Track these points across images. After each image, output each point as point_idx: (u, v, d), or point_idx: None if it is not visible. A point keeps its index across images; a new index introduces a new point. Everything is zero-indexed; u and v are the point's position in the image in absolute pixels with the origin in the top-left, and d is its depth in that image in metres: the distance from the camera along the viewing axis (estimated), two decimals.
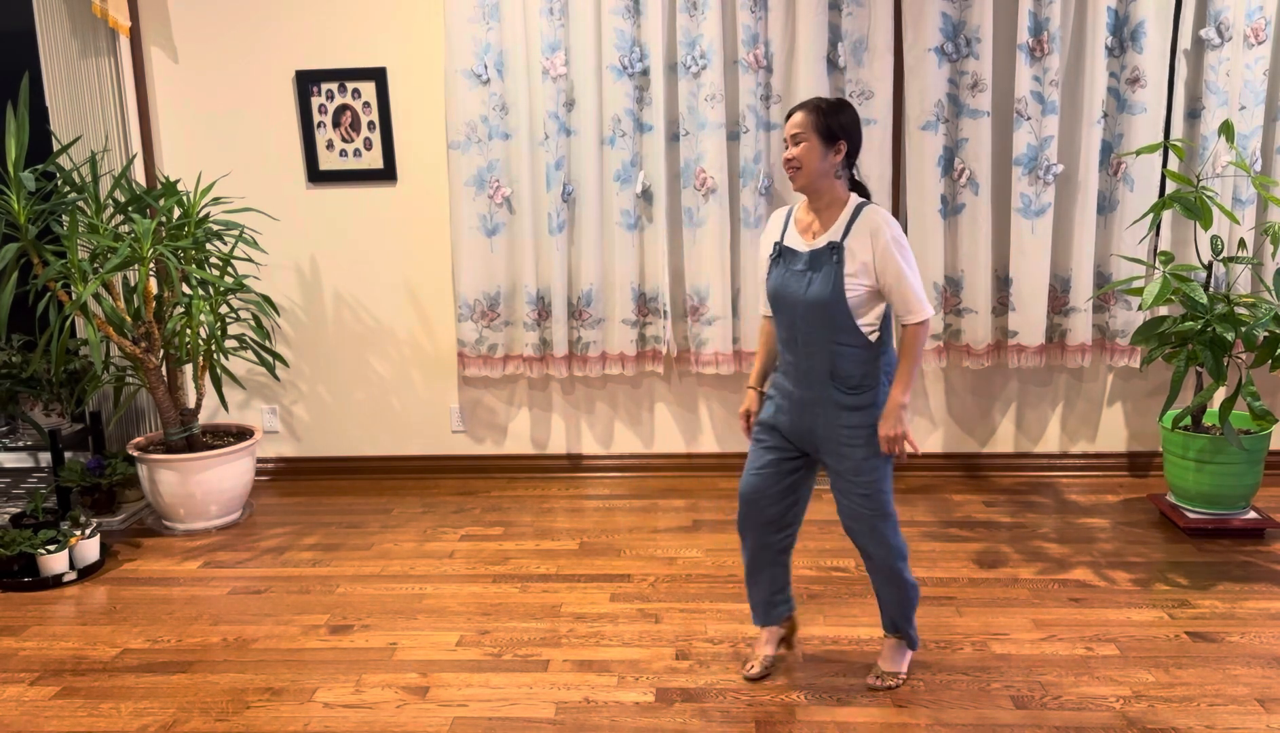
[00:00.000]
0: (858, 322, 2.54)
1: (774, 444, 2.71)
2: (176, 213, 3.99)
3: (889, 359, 2.61)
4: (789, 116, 2.59)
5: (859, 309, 2.53)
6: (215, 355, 4.03)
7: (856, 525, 2.65)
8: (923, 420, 4.46)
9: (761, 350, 2.82)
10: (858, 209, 2.55)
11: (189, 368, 4.51)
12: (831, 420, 2.59)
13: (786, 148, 2.58)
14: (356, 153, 4.37)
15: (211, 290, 3.98)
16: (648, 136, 4.16)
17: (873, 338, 2.56)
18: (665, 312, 4.28)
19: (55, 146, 4.20)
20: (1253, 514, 3.74)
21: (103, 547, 3.79)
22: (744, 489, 2.75)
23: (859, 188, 2.65)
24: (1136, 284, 4.04)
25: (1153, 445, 4.43)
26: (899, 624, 2.79)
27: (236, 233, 4.07)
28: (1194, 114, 4.04)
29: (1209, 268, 3.73)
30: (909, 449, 2.44)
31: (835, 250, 2.53)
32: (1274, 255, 4.03)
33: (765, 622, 2.88)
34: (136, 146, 4.30)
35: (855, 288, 2.52)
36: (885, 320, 2.59)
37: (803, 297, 2.55)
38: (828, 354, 2.57)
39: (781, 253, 2.63)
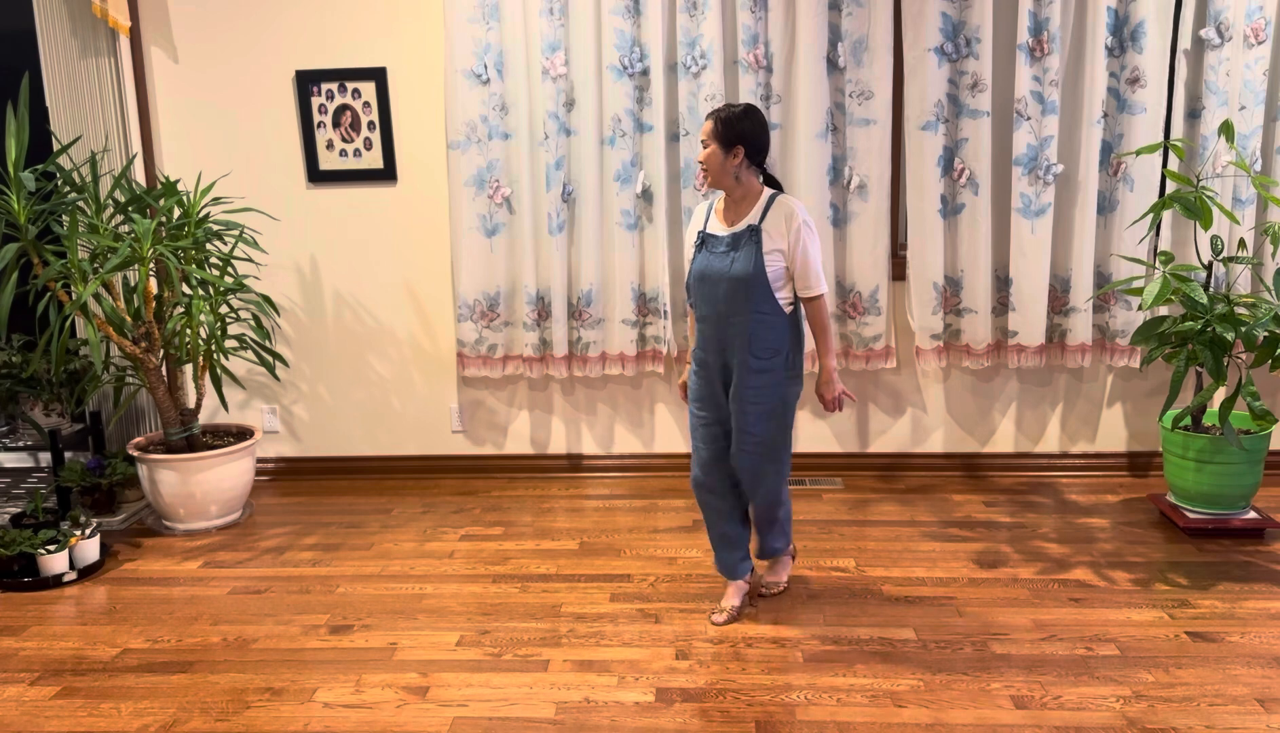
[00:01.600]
0: (775, 294, 2.94)
1: (710, 418, 3.09)
2: (176, 213, 3.99)
3: (800, 327, 3.04)
4: (704, 122, 3.02)
5: (776, 282, 2.94)
6: (215, 355, 4.03)
7: (747, 472, 3.05)
8: (923, 420, 4.46)
9: (692, 333, 3.18)
10: (771, 198, 2.97)
11: (189, 368, 4.51)
12: (743, 381, 2.98)
13: (700, 150, 3.00)
14: (356, 153, 4.37)
15: (211, 290, 3.98)
16: (648, 136, 4.16)
17: (788, 310, 2.98)
18: (665, 312, 4.28)
19: (55, 146, 4.20)
20: (1253, 514, 3.74)
21: (103, 547, 3.79)
22: (702, 458, 3.12)
23: (771, 181, 3.05)
24: (1136, 284, 4.04)
25: (1153, 445, 4.43)
26: (778, 550, 3.30)
27: (236, 233, 4.07)
28: (1194, 114, 4.04)
29: (1209, 268, 3.73)
30: (847, 401, 2.91)
31: (754, 233, 2.94)
32: (1274, 255, 4.03)
33: (733, 577, 3.23)
34: (136, 146, 4.30)
35: (772, 264, 2.93)
36: (798, 297, 3.01)
37: (727, 273, 2.95)
38: (747, 324, 2.95)
39: (704, 240, 3.03)
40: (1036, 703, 2.66)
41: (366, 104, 4.31)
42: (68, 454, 4.38)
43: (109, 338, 3.90)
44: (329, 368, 4.59)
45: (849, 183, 4.14)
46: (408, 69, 4.28)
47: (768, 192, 2.98)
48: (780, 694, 2.73)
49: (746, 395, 2.97)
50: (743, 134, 2.92)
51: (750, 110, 2.95)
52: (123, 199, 4.05)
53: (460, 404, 4.59)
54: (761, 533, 3.27)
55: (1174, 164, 4.06)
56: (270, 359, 4.36)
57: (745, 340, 2.94)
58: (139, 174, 4.34)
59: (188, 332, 3.85)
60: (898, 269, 4.28)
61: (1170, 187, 4.02)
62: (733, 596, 3.21)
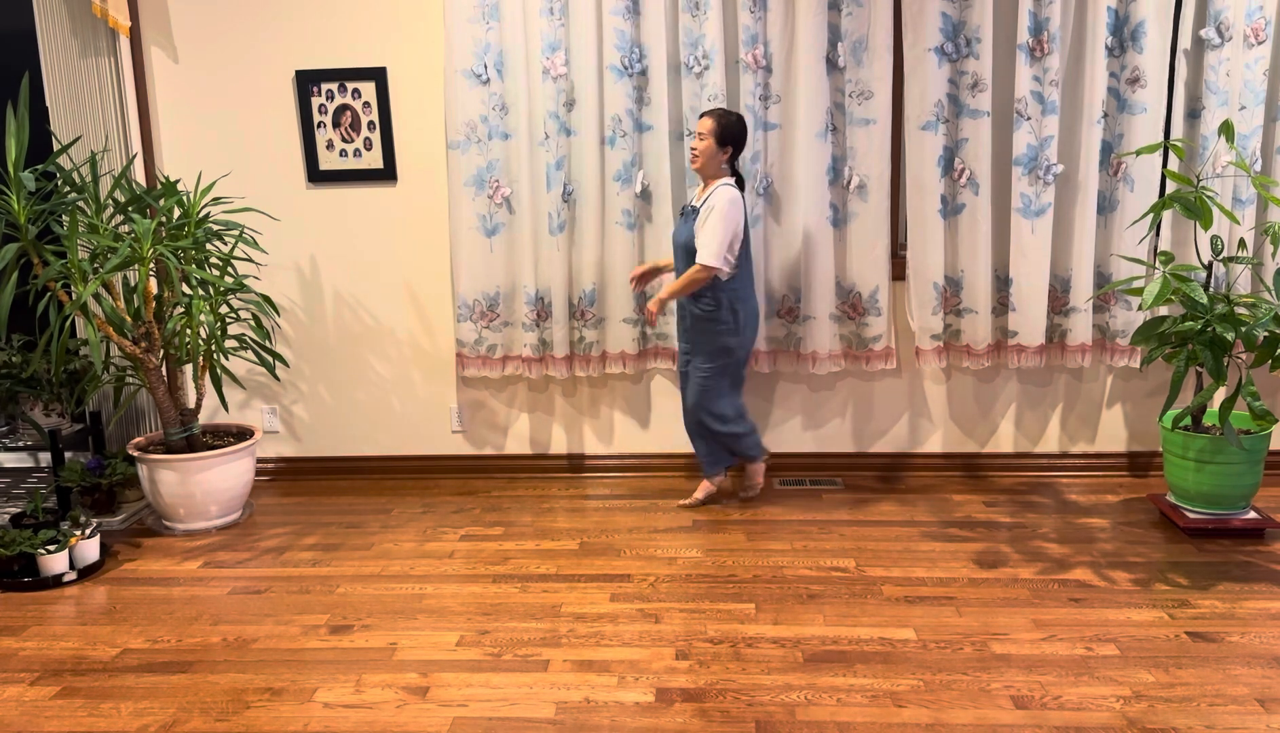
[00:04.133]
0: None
1: (682, 357, 4.04)
2: (176, 213, 3.99)
3: (736, 293, 3.81)
4: (701, 117, 3.77)
5: None
6: (215, 355, 4.03)
7: (693, 395, 3.95)
8: (923, 420, 4.46)
9: (659, 264, 4.16)
10: (719, 187, 3.73)
11: (189, 368, 4.51)
12: (692, 324, 3.89)
13: (695, 139, 3.77)
14: (356, 153, 4.37)
15: (211, 290, 3.98)
16: (648, 136, 4.16)
17: (724, 276, 3.78)
18: (669, 310, 4.28)
19: (55, 146, 4.20)
20: (1253, 514, 3.74)
21: (103, 547, 3.79)
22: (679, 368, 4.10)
23: (738, 176, 3.82)
24: (1136, 284, 4.04)
25: (1153, 445, 4.43)
26: (719, 459, 4.11)
27: (236, 233, 4.07)
28: (1194, 114, 4.04)
29: (1209, 268, 3.73)
30: (649, 318, 3.86)
31: (695, 210, 3.80)
32: (1274, 255, 4.03)
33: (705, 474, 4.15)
34: (136, 146, 4.30)
35: (699, 234, 3.74)
36: (735, 266, 3.77)
37: (679, 238, 3.86)
38: None
39: (683, 211, 3.91)
40: (1036, 703, 2.66)
41: (366, 104, 4.31)
42: (68, 454, 4.38)
43: (109, 338, 3.90)
44: (329, 368, 4.59)
45: (849, 183, 4.14)
46: (408, 69, 4.28)
47: (722, 181, 3.75)
48: (780, 694, 2.73)
49: (696, 337, 3.89)
50: (735, 136, 3.74)
51: (741, 118, 3.77)
52: (123, 199, 4.05)
53: (460, 404, 4.59)
54: (695, 448, 4.10)
55: (1174, 164, 4.06)
56: (270, 359, 4.36)
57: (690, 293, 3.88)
58: (139, 174, 4.34)
59: (188, 332, 3.85)
60: (898, 269, 4.28)
61: (1170, 186, 4.02)
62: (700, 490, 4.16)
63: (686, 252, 3.80)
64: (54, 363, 3.77)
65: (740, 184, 3.81)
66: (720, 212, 3.66)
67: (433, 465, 4.65)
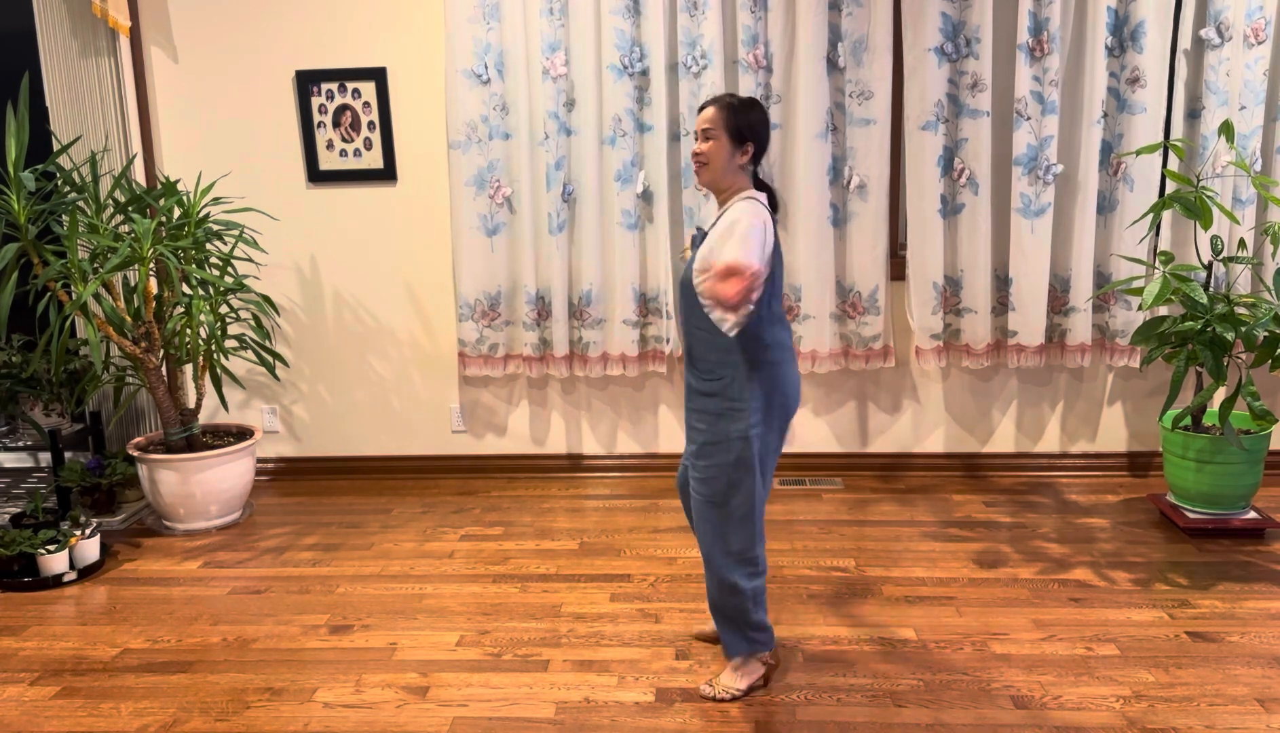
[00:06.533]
0: (709, 309, 2.54)
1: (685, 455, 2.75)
2: (176, 213, 3.99)
3: (756, 355, 2.54)
4: (700, 110, 2.59)
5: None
6: (215, 355, 4.04)
7: (695, 509, 2.65)
8: (922, 420, 4.46)
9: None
10: (738, 200, 2.54)
11: (189, 368, 4.51)
12: (690, 402, 2.64)
13: (696, 141, 2.58)
14: (356, 153, 4.37)
15: (211, 290, 3.98)
16: (648, 136, 4.16)
17: (731, 332, 2.51)
18: (666, 312, 4.28)
19: (55, 146, 4.20)
20: (1253, 514, 3.74)
21: (103, 547, 3.79)
22: (679, 482, 2.90)
23: (763, 187, 2.62)
24: (1136, 284, 4.04)
25: (1153, 445, 4.43)
26: (730, 650, 2.70)
27: (236, 233, 4.07)
28: (1194, 114, 4.04)
29: (1209, 268, 3.73)
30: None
31: (703, 236, 2.59)
32: (1274, 255, 4.03)
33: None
34: (136, 146, 4.30)
35: (705, 273, 2.47)
36: (755, 319, 2.52)
37: (682, 277, 2.61)
38: (689, 335, 2.62)
39: (693, 238, 2.68)
40: (1036, 703, 2.66)
41: (366, 104, 4.31)
42: (68, 454, 4.38)
43: (109, 338, 3.90)
44: (329, 368, 4.59)
45: (849, 183, 4.14)
46: (408, 69, 4.28)
47: (743, 194, 2.56)
48: (780, 694, 2.73)
49: (692, 418, 2.63)
50: (754, 127, 2.55)
51: (757, 102, 2.59)
52: (123, 199, 4.05)
53: (461, 404, 4.59)
54: (713, 618, 2.73)
55: (1174, 164, 4.06)
56: (270, 359, 4.36)
57: (689, 354, 2.63)
58: (139, 174, 4.34)
59: (188, 332, 3.85)
60: (897, 269, 4.28)
61: (1170, 186, 4.02)
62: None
63: (685, 293, 2.60)
64: (54, 363, 3.77)
65: (773, 203, 2.63)
66: (744, 227, 2.41)
67: (433, 465, 4.65)
